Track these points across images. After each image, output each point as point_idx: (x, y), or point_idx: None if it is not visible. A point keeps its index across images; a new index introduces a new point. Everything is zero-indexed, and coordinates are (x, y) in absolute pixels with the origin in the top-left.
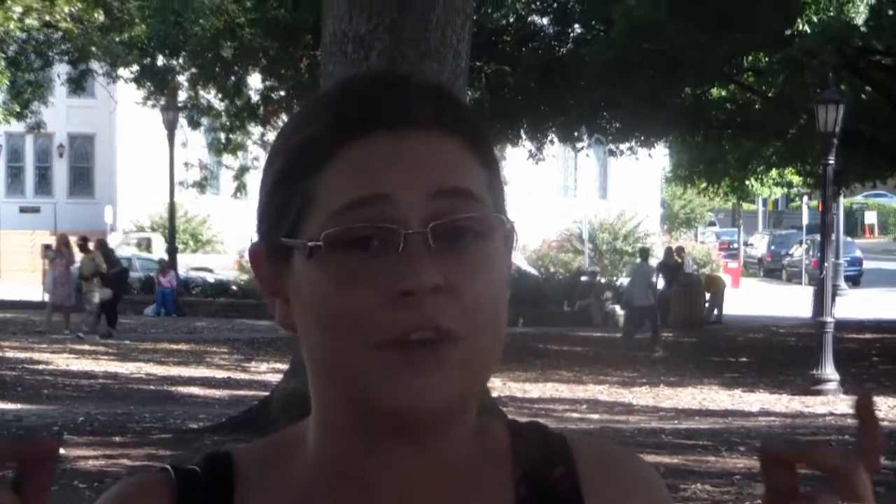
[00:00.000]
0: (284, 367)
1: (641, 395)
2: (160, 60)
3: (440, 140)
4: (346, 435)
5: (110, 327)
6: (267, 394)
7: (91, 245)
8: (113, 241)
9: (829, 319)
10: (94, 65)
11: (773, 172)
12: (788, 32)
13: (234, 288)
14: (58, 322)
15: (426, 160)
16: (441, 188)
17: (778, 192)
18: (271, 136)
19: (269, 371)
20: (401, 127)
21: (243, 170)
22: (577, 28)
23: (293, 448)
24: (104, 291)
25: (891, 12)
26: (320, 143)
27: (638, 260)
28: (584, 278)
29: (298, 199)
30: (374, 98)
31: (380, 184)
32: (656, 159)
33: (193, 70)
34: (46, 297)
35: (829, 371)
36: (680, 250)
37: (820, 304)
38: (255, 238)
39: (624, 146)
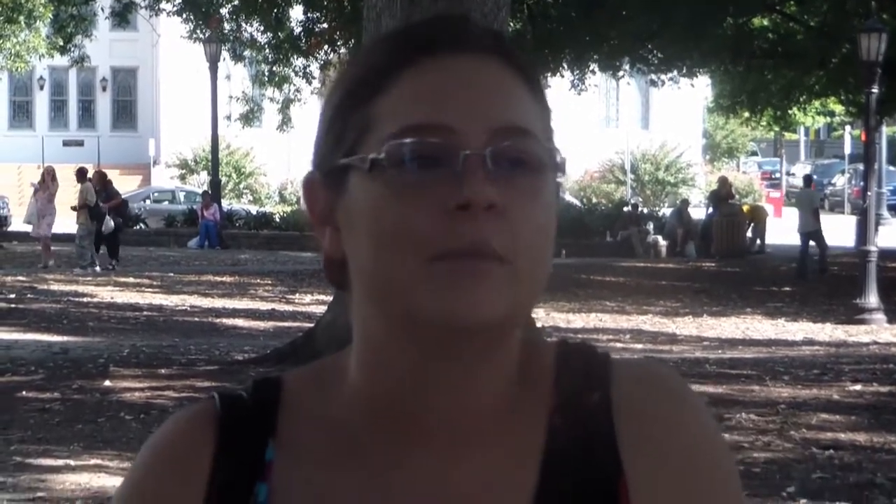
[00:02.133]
0: (328, 298)
1: (685, 325)
2: None
3: (498, 71)
4: (387, 362)
5: (112, 259)
6: (311, 325)
7: (90, 176)
8: (156, 173)
9: (873, 248)
10: None
11: (816, 102)
12: None
13: (276, 220)
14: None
15: (487, 92)
16: (501, 125)
17: (820, 122)
18: (314, 68)
19: (313, 303)
20: (459, 51)
21: (288, 102)
22: None
23: (337, 375)
24: (107, 223)
25: None
26: (380, 69)
27: (802, 186)
28: (626, 209)
29: (357, 124)
30: (432, 25)
31: (442, 113)
32: (698, 89)
33: (235, 2)
34: (29, 229)
35: (873, 300)
36: (724, 180)
37: (863, 234)
38: (310, 169)
39: (666, 76)
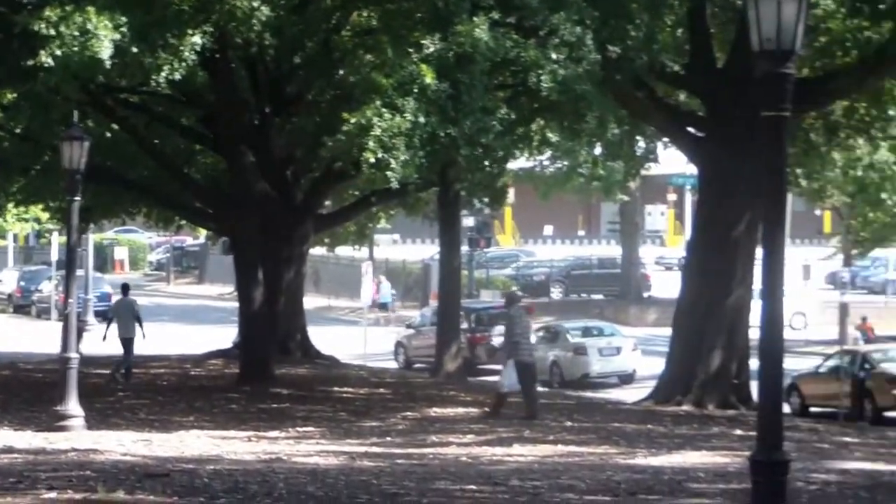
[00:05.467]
0: None
1: None
2: None
3: None
4: None
5: None
6: None
7: None
8: None
9: (74, 355)
10: None
11: (21, 208)
12: (32, 64)
13: None
14: None
15: None
16: None
17: (28, 228)
18: None
19: None
20: None
21: None
22: None
23: None
24: None
25: (135, 49)
26: None
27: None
28: None
29: None
30: None
31: None
32: None
33: None
34: None
35: (73, 406)
36: None
37: (65, 340)
38: None
39: None
